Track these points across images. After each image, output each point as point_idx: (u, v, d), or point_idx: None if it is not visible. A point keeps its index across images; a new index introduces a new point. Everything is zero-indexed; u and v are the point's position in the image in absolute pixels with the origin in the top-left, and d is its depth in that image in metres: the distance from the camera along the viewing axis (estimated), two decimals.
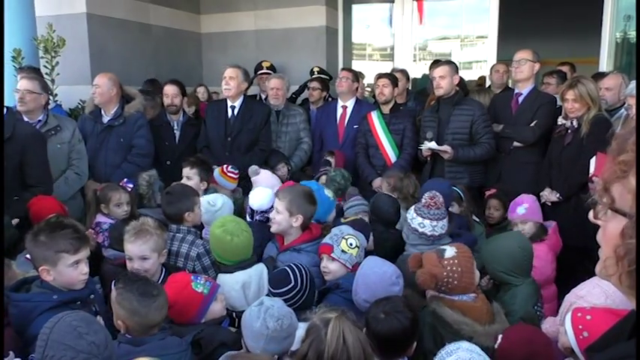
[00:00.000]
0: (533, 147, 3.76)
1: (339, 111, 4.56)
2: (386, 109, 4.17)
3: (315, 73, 5.35)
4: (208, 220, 2.84)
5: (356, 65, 6.65)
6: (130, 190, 3.24)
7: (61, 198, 3.17)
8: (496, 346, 1.90)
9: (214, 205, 2.94)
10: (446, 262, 2.10)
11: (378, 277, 2.12)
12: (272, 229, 2.63)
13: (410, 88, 5.53)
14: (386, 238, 2.82)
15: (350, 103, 4.53)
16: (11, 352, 1.67)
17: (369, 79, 6.02)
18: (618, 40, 5.43)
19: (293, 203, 2.52)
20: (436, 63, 4.44)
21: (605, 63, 5.26)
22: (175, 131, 4.29)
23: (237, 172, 3.55)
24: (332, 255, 2.33)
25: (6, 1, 3.75)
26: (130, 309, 1.74)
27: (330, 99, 5.11)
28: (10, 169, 2.84)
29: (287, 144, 4.49)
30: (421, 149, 3.82)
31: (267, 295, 2.15)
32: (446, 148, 3.69)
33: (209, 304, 2.06)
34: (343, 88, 4.51)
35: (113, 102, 3.87)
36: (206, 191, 3.30)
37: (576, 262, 3.09)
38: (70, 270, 1.91)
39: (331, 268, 2.34)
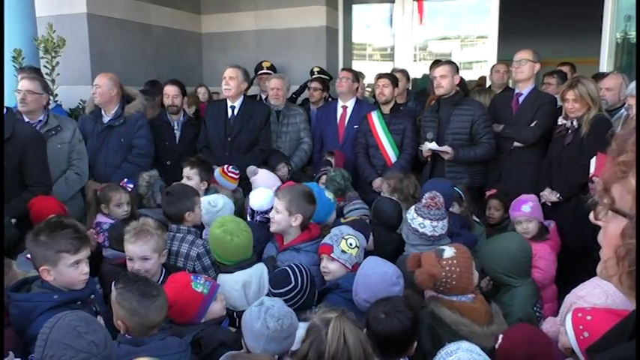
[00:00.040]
0: (533, 147, 3.75)
1: (340, 111, 4.56)
2: (386, 109, 4.17)
3: (316, 73, 5.35)
4: (209, 220, 2.84)
5: (356, 65, 6.65)
6: (130, 190, 3.24)
7: (62, 198, 3.17)
8: (497, 346, 1.90)
9: (215, 205, 2.94)
10: (445, 262, 2.10)
11: (378, 277, 2.12)
12: (271, 229, 2.63)
13: (410, 88, 5.54)
14: (386, 242, 2.81)
15: (350, 103, 4.53)
16: (11, 352, 1.67)
17: (369, 79, 6.02)
18: (618, 40, 5.42)
19: (292, 203, 2.52)
20: (436, 63, 4.44)
21: (605, 63, 5.26)
22: (176, 131, 4.29)
23: (237, 172, 3.56)
24: (332, 255, 2.33)
25: (6, 1, 3.75)
26: (130, 309, 1.74)
27: (330, 99, 5.11)
28: (9, 170, 2.84)
29: (287, 144, 4.49)
30: (421, 150, 3.83)
31: (268, 295, 2.16)
32: (446, 148, 3.68)
33: (209, 304, 2.06)
34: (343, 88, 4.51)
35: (113, 102, 3.87)
36: (206, 191, 3.30)
37: (576, 262, 3.09)
38: (71, 270, 1.91)
39: (331, 268, 2.35)
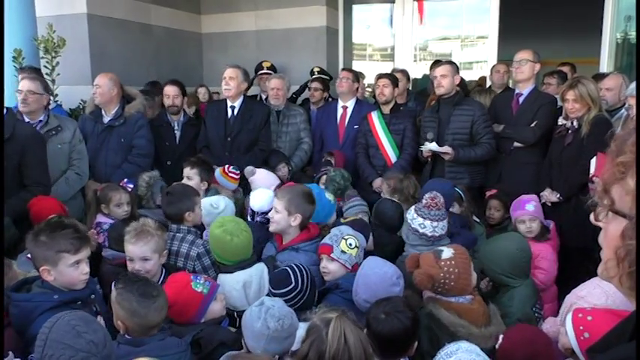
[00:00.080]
0: (533, 147, 3.75)
1: (340, 111, 4.56)
2: (386, 109, 4.17)
3: (316, 73, 5.35)
4: (211, 222, 2.84)
5: (356, 65, 6.66)
6: (130, 190, 3.24)
7: (62, 198, 3.17)
8: (497, 346, 1.90)
9: (217, 207, 2.94)
10: (443, 262, 2.10)
11: (378, 277, 2.12)
12: (270, 229, 2.63)
13: (410, 88, 5.54)
14: (386, 242, 2.82)
15: (350, 104, 4.53)
16: (11, 353, 1.67)
17: (369, 79, 6.02)
18: (619, 40, 5.43)
19: (291, 202, 2.52)
20: (437, 63, 4.44)
21: (605, 63, 5.26)
22: (176, 131, 4.29)
23: (238, 172, 3.56)
24: (331, 255, 2.33)
25: (6, 1, 3.76)
26: (130, 309, 1.74)
27: (330, 99, 5.11)
28: (9, 170, 2.84)
29: (287, 144, 4.49)
30: (421, 150, 3.83)
31: (268, 295, 2.16)
32: (446, 149, 3.68)
33: (208, 304, 2.06)
34: (343, 88, 4.51)
35: (114, 102, 3.87)
36: (207, 191, 3.30)
37: (576, 262, 3.09)
38: (71, 270, 1.91)
39: (331, 268, 2.35)
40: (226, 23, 6.44)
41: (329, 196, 2.92)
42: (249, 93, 4.86)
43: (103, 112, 3.90)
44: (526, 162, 3.77)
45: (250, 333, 1.74)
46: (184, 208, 2.67)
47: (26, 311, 1.83)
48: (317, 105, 4.98)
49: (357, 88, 4.68)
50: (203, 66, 6.59)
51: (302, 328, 1.70)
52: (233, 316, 2.23)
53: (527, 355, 1.80)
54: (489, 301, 2.25)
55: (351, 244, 2.36)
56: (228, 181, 3.52)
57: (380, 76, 4.22)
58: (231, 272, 2.35)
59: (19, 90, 3.35)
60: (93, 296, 2.06)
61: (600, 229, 0.89)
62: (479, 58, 6.90)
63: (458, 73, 3.88)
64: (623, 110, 3.53)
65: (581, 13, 6.66)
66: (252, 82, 5.19)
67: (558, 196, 3.43)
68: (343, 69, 4.99)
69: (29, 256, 2.04)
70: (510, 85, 5.15)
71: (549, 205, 3.45)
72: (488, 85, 5.47)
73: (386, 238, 2.84)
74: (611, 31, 5.23)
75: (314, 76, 5.27)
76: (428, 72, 5.34)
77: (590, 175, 3.06)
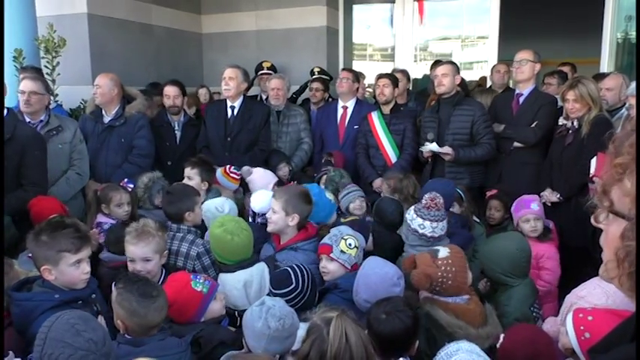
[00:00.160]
0: (533, 147, 3.75)
1: (340, 111, 4.56)
2: (386, 109, 4.17)
3: (316, 73, 5.35)
4: None
5: (356, 65, 6.65)
6: (130, 190, 3.24)
7: (62, 198, 3.17)
8: (498, 345, 1.90)
9: (222, 210, 2.94)
10: (440, 262, 2.11)
11: (379, 277, 2.12)
12: (268, 229, 2.63)
13: (410, 88, 5.54)
14: (386, 240, 2.82)
15: (350, 104, 4.53)
16: (10, 352, 1.67)
17: (369, 79, 6.02)
18: (619, 40, 5.42)
19: (289, 203, 2.53)
20: (437, 63, 4.44)
21: (606, 63, 5.26)
22: (176, 132, 4.29)
23: (239, 172, 3.56)
24: (331, 255, 2.34)
25: (7, 1, 3.76)
26: (130, 309, 1.74)
27: (330, 99, 5.11)
28: (9, 170, 2.84)
29: (287, 144, 4.49)
30: (422, 150, 3.83)
31: (269, 294, 2.16)
32: (447, 149, 3.68)
33: (208, 303, 2.07)
34: (344, 88, 4.51)
35: (114, 102, 3.87)
36: (207, 191, 3.30)
37: (577, 262, 3.09)
38: (72, 269, 1.92)
39: (330, 268, 2.35)
40: (227, 23, 6.44)
41: (329, 196, 2.92)
42: (250, 93, 4.86)
43: (103, 112, 3.90)
44: (526, 162, 3.77)
45: (251, 333, 1.74)
46: (184, 207, 2.67)
47: (27, 310, 1.84)
48: (317, 105, 4.99)
49: (357, 89, 4.68)
50: (203, 66, 6.59)
51: (302, 329, 1.70)
52: (234, 315, 2.23)
53: (528, 354, 1.80)
54: (485, 301, 2.25)
55: (350, 244, 2.36)
56: (229, 182, 3.52)
57: (380, 76, 4.22)
58: (232, 272, 2.35)
59: (21, 90, 3.34)
60: (94, 296, 2.06)
61: (600, 230, 0.89)
62: (479, 58, 6.90)
63: (458, 73, 3.88)
64: (624, 110, 3.53)
65: (581, 14, 6.66)
66: (252, 82, 5.19)
67: (558, 196, 3.43)
68: (343, 69, 4.99)
69: (30, 255, 2.04)
70: (511, 85, 5.15)
71: (549, 205, 3.45)
72: (488, 85, 5.47)
73: (386, 236, 2.85)
74: (611, 30, 5.23)
75: (314, 77, 5.27)
76: (428, 72, 5.33)
77: (591, 175, 3.07)
